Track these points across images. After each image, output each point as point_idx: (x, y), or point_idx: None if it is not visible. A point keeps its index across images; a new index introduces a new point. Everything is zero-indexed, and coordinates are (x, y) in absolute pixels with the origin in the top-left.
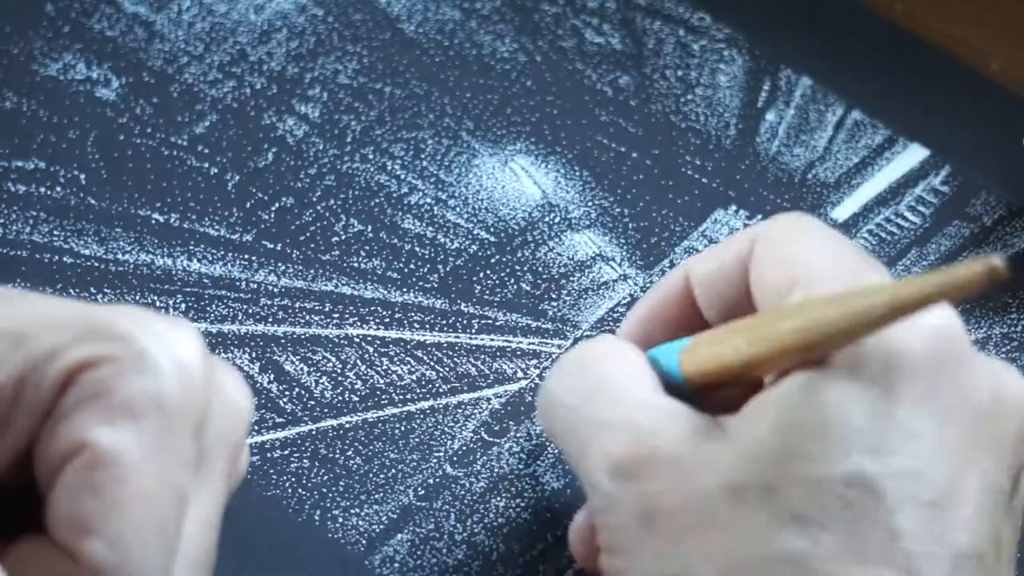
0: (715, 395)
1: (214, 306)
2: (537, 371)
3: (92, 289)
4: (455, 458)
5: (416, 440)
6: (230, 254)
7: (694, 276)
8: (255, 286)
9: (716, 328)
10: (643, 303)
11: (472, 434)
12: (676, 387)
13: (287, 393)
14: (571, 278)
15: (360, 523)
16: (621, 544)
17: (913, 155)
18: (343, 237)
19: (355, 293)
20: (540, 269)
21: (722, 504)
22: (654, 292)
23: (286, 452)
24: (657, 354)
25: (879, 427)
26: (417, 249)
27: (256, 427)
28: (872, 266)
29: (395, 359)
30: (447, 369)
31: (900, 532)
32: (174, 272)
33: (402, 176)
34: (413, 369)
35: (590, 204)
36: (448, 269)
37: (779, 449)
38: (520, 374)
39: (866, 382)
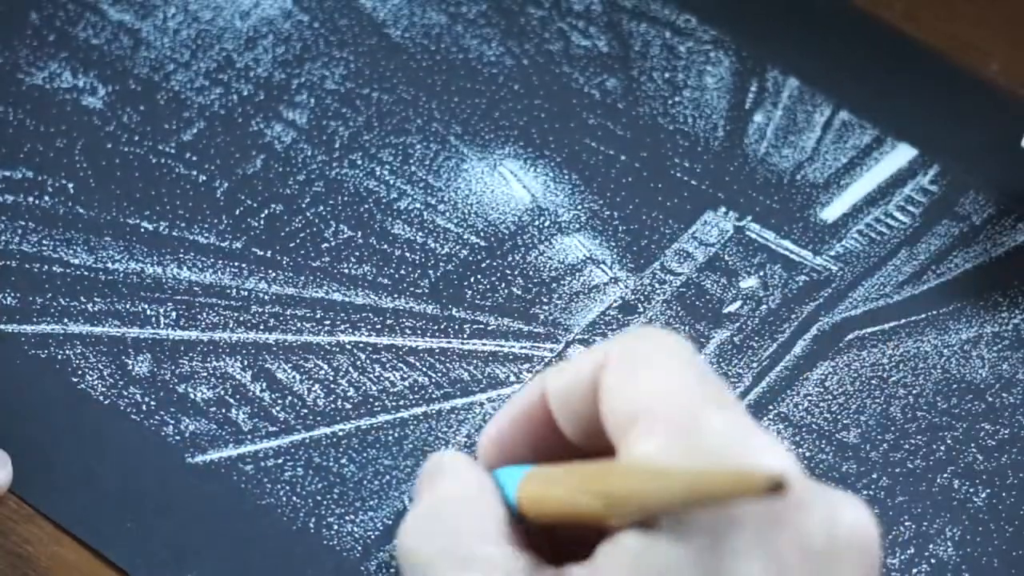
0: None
1: (205, 314)
2: (530, 375)
3: (83, 299)
4: None
5: (410, 446)
6: (220, 261)
7: (549, 391)
8: (246, 293)
9: (551, 467)
10: (502, 414)
11: (466, 439)
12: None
13: (280, 401)
14: (562, 282)
15: (355, 530)
16: None
17: (901, 155)
18: (333, 243)
19: (346, 299)
20: (531, 273)
21: None
22: (512, 403)
23: (280, 461)
24: (503, 477)
25: None
26: (407, 254)
27: (249, 436)
28: (716, 399)
29: (387, 365)
30: (439, 375)
31: None
32: (164, 280)
33: (391, 181)
34: (405, 375)
35: (580, 207)
36: (439, 274)
37: None
38: (513, 378)
39: (693, 534)
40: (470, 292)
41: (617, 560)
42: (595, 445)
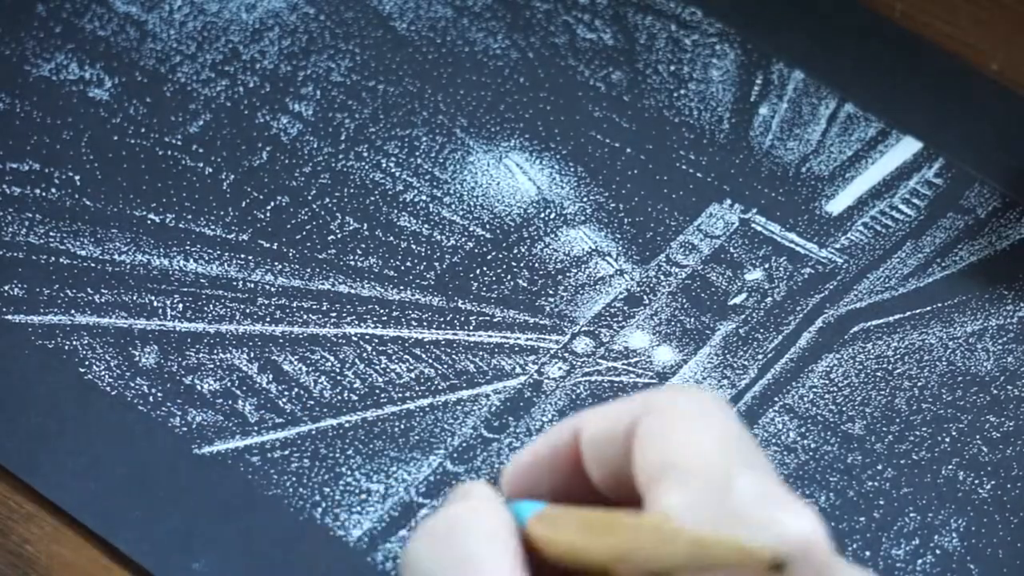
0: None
1: (211, 306)
2: (535, 367)
3: (89, 290)
4: (455, 455)
5: (416, 438)
6: (226, 254)
7: (584, 434)
8: (252, 285)
9: (566, 509)
10: (529, 449)
11: (472, 431)
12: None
13: (286, 393)
14: (567, 274)
15: (362, 521)
16: None
17: (906, 148)
18: (339, 235)
19: (352, 291)
20: (536, 265)
21: None
22: (542, 440)
23: (286, 452)
24: (518, 509)
25: None
26: (413, 247)
27: (256, 428)
28: (749, 462)
29: (393, 357)
30: (445, 366)
31: None
32: (171, 272)
33: (397, 174)
34: (412, 367)
35: (585, 200)
36: (445, 266)
37: None
38: (518, 370)
39: None
40: (476, 284)
41: None
42: (619, 494)
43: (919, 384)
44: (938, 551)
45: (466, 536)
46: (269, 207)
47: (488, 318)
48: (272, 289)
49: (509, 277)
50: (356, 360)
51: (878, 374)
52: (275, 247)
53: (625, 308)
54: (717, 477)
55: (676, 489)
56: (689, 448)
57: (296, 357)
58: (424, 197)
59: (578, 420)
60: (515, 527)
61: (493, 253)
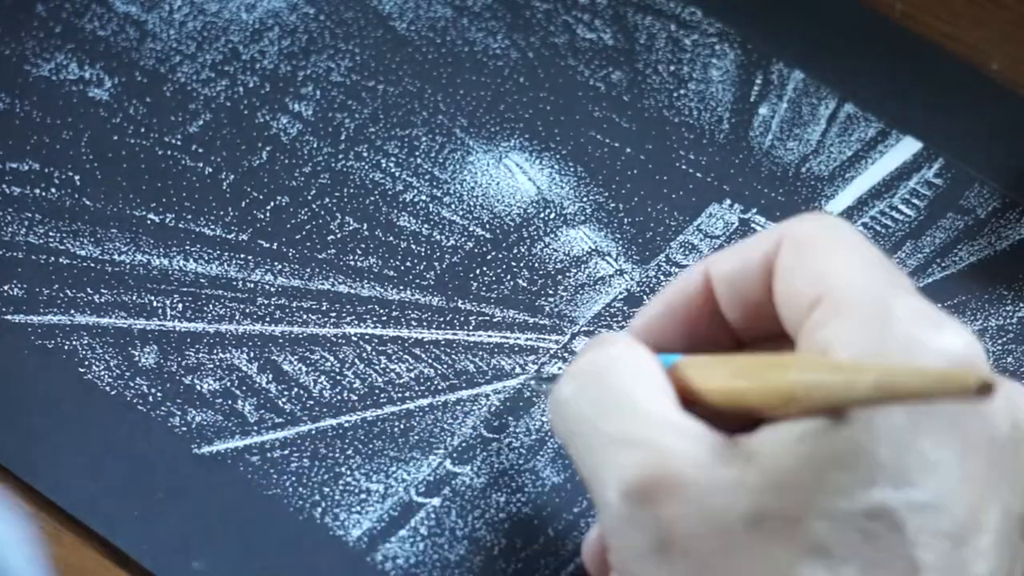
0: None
1: (211, 306)
2: (535, 367)
3: (89, 290)
4: (455, 455)
5: (416, 438)
6: (226, 254)
7: (716, 275)
8: (252, 285)
9: (704, 357)
10: (657, 300)
11: (471, 430)
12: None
13: (286, 393)
14: (567, 274)
15: (361, 521)
16: (632, 569)
17: (906, 148)
18: (339, 235)
19: (352, 291)
20: (536, 265)
21: (742, 534)
22: (670, 289)
23: (286, 452)
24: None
25: (902, 460)
26: (413, 247)
27: (256, 427)
28: (899, 284)
29: (393, 357)
30: (445, 366)
31: (920, 565)
32: (170, 272)
33: (397, 174)
34: (411, 367)
35: (585, 200)
36: (444, 266)
37: (803, 480)
38: (518, 370)
39: (890, 415)
40: (476, 284)
41: (797, 447)
42: (760, 332)
43: None
44: None
45: (619, 375)
46: (269, 207)
47: (488, 318)
48: (272, 289)
49: (509, 277)
50: (356, 360)
51: None
52: (275, 247)
53: (625, 308)
54: (873, 304)
55: (832, 319)
56: (838, 275)
57: (296, 357)
58: (424, 197)
59: (707, 263)
60: (663, 369)
61: (493, 253)
